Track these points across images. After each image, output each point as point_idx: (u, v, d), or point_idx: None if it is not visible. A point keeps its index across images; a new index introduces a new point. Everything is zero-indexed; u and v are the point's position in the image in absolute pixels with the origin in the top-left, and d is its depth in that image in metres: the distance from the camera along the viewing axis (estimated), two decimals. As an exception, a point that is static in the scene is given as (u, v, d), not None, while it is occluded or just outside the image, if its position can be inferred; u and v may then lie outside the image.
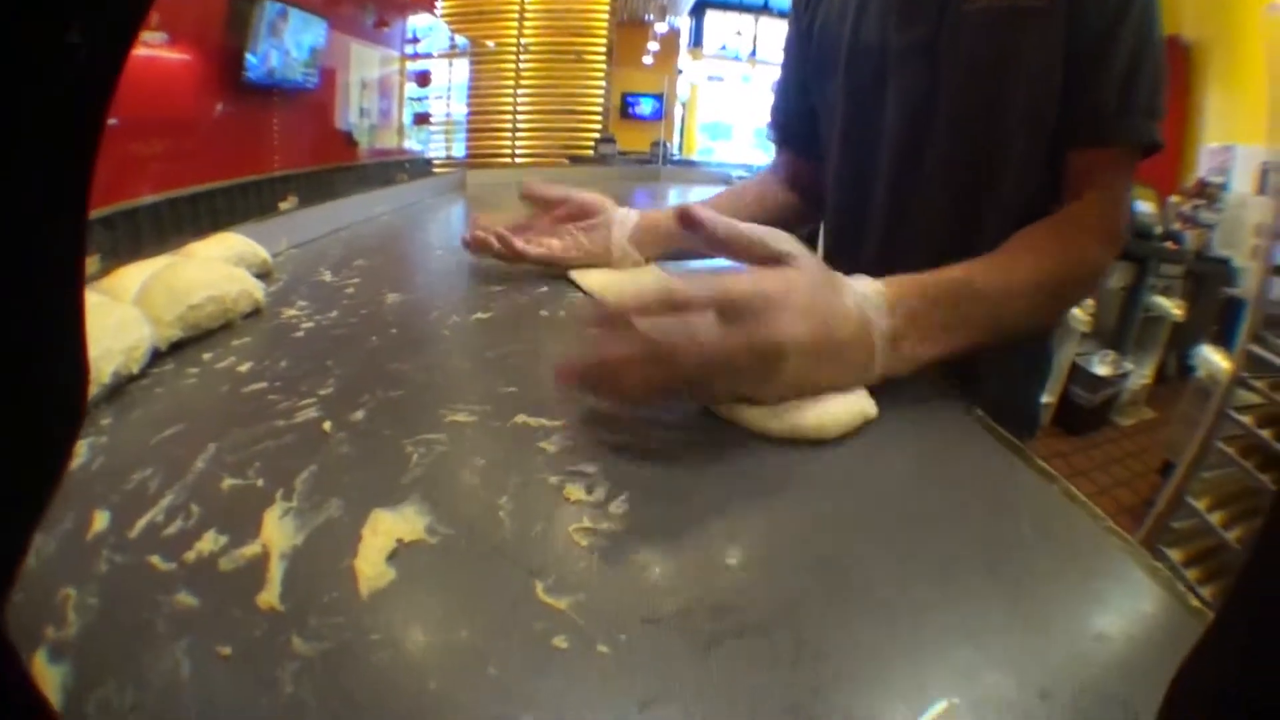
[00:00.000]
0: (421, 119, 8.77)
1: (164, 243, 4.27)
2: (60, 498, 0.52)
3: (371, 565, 0.49)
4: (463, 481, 0.61)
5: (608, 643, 0.43)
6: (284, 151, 5.85)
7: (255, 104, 5.49)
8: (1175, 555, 2.86)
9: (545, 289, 1.26)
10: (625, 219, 1.37)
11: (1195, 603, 0.52)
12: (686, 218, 0.79)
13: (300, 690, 0.39)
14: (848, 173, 1.36)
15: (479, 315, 1.10)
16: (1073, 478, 4.14)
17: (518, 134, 9.70)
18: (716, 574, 0.50)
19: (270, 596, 0.47)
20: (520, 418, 0.72)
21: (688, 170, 5.28)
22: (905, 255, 0.97)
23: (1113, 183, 1.09)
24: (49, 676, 0.40)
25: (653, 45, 12.70)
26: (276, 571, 0.49)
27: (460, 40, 9.18)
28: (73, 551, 0.51)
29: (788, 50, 1.53)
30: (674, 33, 13.48)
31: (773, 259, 0.77)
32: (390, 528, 0.53)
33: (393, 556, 0.51)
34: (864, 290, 0.79)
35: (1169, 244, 5.64)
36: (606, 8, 9.70)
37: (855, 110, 1.30)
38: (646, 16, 12.35)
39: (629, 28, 12.26)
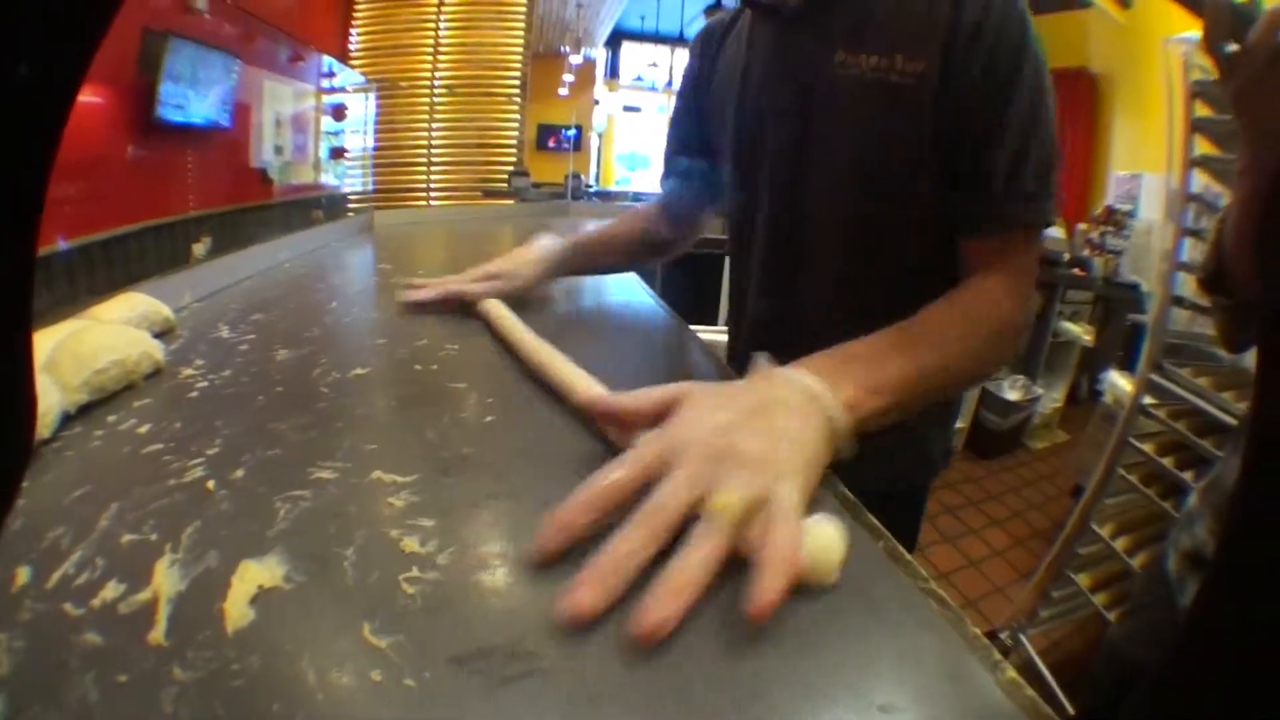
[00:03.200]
0: (338, 153, 8.74)
1: (75, 286, 4.20)
2: (-7, 556, 0.65)
3: (236, 608, 0.60)
4: (318, 534, 0.71)
5: (414, 678, 0.52)
6: (197, 192, 5.84)
7: (168, 143, 5.46)
8: (1083, 580, 2.95)
9: (423, 342, 1.36)
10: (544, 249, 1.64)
11: (1010, 674, 0.54)
12: (595, 415, 0.91)
13: (179, 711, 0.50)
14: (734, 218, 1.50)
15: (357, 371, 1.19)
16: (985, 502, 4.34)
17: (433, 168, 9.67)
18: (519, 622, 0.58)
19: (158, 635, 0.57)
20: (376, 474, 0.82)
21: (600, 205, 5.29)
22: (790, 303, 1.20)
23: (1013, 263, 1.14)
24: (-14, 713, 0.50)
25: (568, 77, 12.76)
26: (163, 614, 0.59)
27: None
28: (1, 603, 0.62)
29: (684, 88, 1.63)
30: (590, 64, 13.58)
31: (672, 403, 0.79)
32: (254, 576, 0.63)
33: (254, 600, 0.61)
34: (794, 374, 0.85)
35: (1077, 270, 5.97)
36: (521, 40, 9.70)
37: (742, 166, 1.41)
38: (562, 49, 12.40)
39: (545, 60, 12.29)
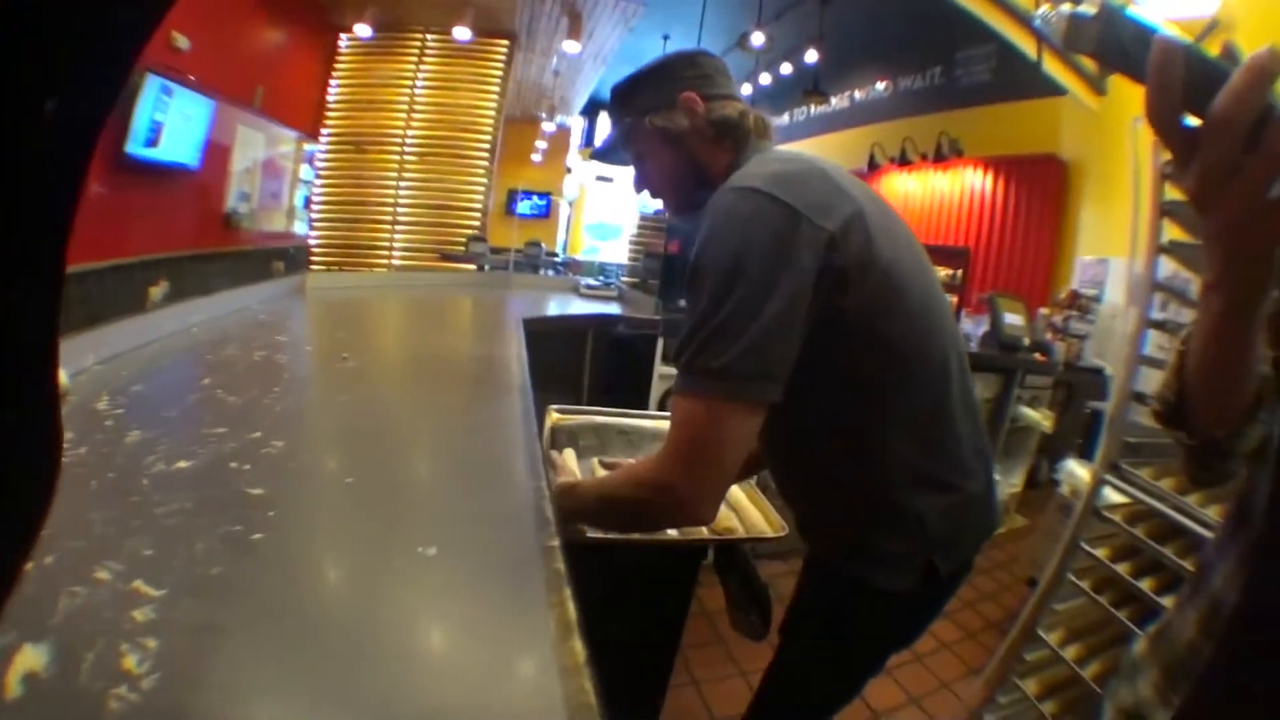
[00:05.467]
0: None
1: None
2: None
3: (13, 679, 0.65)
4: (80, 633, 0.74)
5: None
6: (159, 234, 5.73)
7: (135, 182, 5.35)
8: (1030, 687, 2.82)
9: (257, 435, 1.40)
10: None
11: None
12: None
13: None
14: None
15: (181, 464, 1.22)
16: None
17: (397, 227, 9.66)
18: None
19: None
20: (136, 582, 0.85)
21: (538, 278, 5.33)
22: None
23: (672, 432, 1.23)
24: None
25: (541, 144, 12.81)
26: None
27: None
28: None
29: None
30: (564, 131, 13.70)
31: None
32: (29, 658, 0.68)
33: (27, 678, 0.66)
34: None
35: (1038, 355, 5.77)
36: (495, 104, 9.74)
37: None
38: (539, 114, 12.45)
39: (520, 124, 12.47)
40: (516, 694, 0.77)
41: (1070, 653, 2.65)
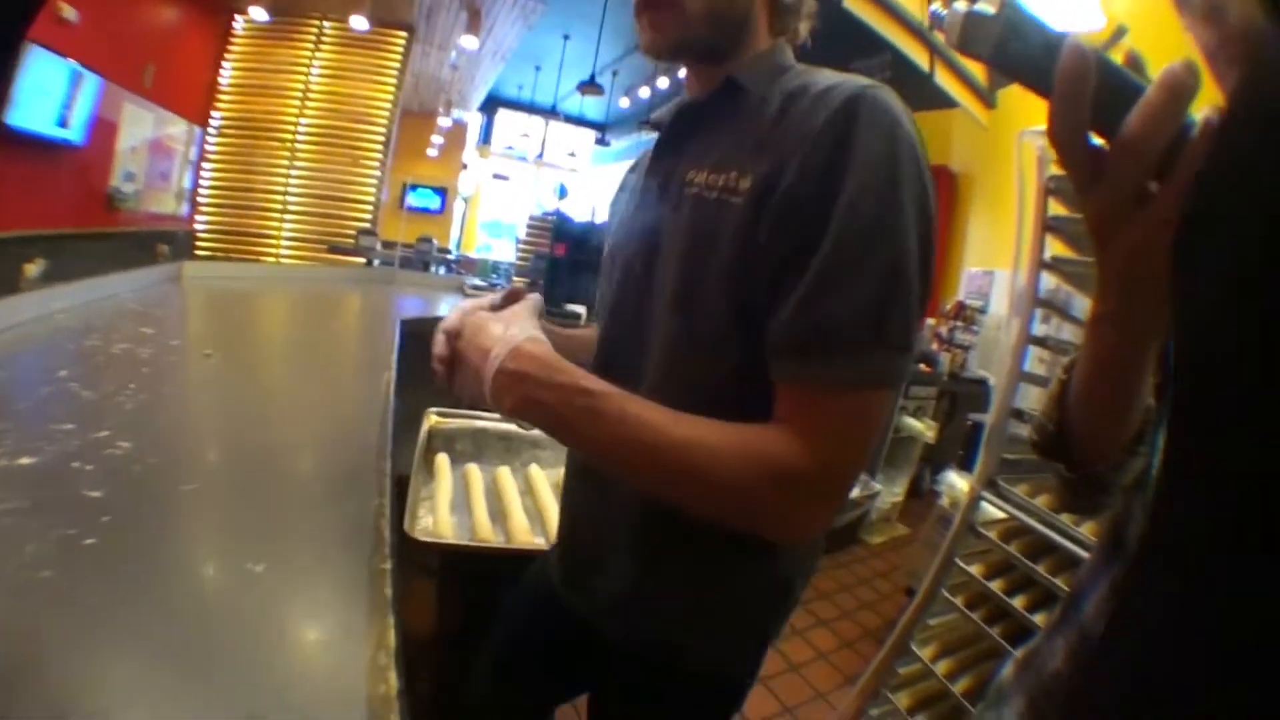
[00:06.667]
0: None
1: None
2: None
3: None
4: None
5: None
6: (36, 207, 5.60)
7: (9, 153, 5.25)
8: (902, 700, 2.85)
9: (105, 433, 1.33)
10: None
11: None
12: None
13: None
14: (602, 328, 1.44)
15: (24, 460, 1.17)
16: (814, 601, 4.28)
17: (286, 217, 9.53)
18: None
19: None
20: None
21: (425, 277, 5.27)
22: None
23: (814, 424, 0.90)
24: None
25: (438, 139, 12.76)
26: None
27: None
28: None
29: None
30: (461, 127, 13.66)
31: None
32: None
33: None
34: (509, 334, 0.99)
35: (923, 366, 5.90)
36: (391, 96, 9.65)
37: (605, 277, 1.41)
38: (436, 109, 12.38)
39: (417, 118, 12.40)
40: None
41: (942, 667, 2.69)
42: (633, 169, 1.52)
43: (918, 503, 5.86)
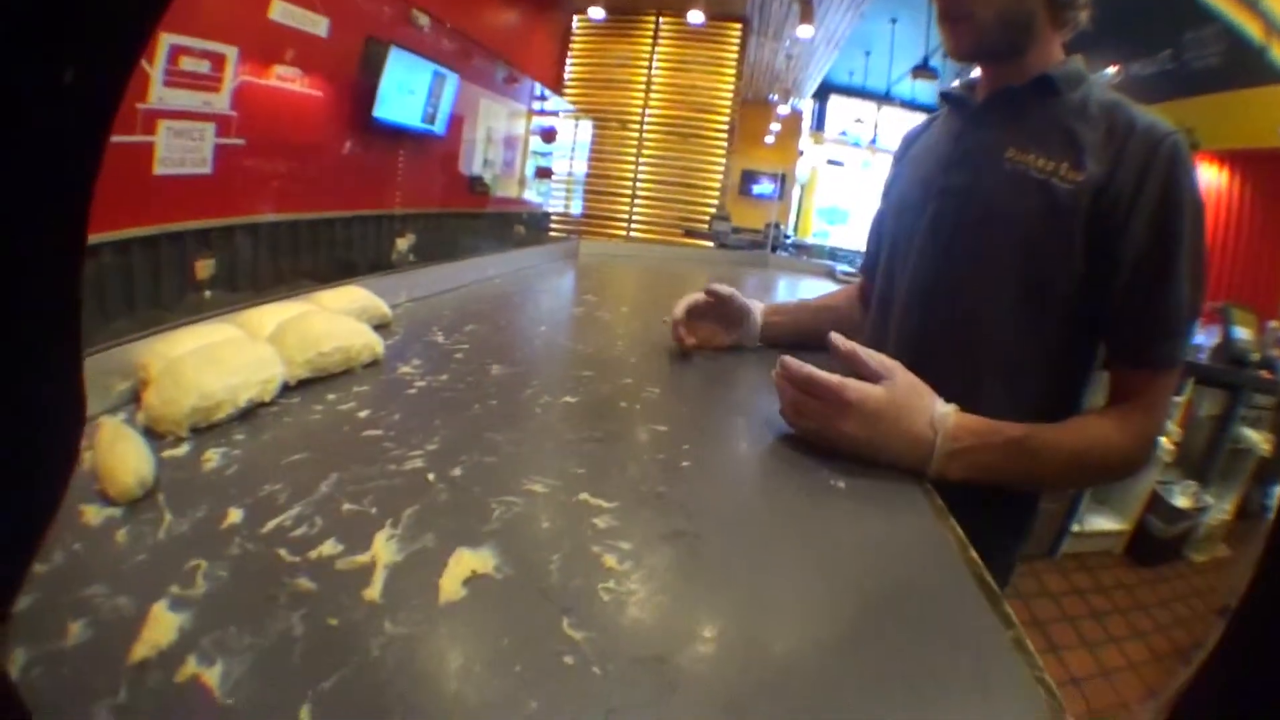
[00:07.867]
0: (544, 173, 9.18)
1: (279, 263, 4.49)
2: (192, 489, 0.80)
3: (451, 584, 0.68)
4: (528, 538, 0.78)
5: (600, 667, 0.59)
6: (406, 190, 6.20)
7: (383, 144, 5.85)
8: None
9: (629, 381, 1.40)
10: (755, 314, 1.72)
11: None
12: (834, 346, 1.16)
13: (385, 656, 0.58)
14: (879, 293, 1.60)
15: (567, 399, 1.26)
16: (1132, 611, 4.16)
17: (636, 201, 9.94)
18: (691, 639, 0.65)
19: (373, 593, 0.66)
20: (583, 495, 0.89)
21: (794, 261, 5.24)
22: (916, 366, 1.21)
23: (1155, 399, 1.24)
24: (165, 620, 0.59)
25: (774, 126, 12.85)
26: (380, 577, 0.68)
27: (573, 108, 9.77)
28: (206, 535, 0.72)
29: (884, 189, 1.74)
30: (796, 115, 13.83)
31: (873, 375, 1.12)
32: (468, 561, 0.71)
33: (467, 581, 0.69)
34: (941, 410, 1.11)
35: (1264, 373, 5.17)
36: (731, 87, 9.88)
37: (897, 236, 1.54)
38: (770, 97, 12.49)
39: (753, 106, 12.61)
40: None
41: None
42: (906, 144, 1.70)
43: (1244, 525, 5.34)
